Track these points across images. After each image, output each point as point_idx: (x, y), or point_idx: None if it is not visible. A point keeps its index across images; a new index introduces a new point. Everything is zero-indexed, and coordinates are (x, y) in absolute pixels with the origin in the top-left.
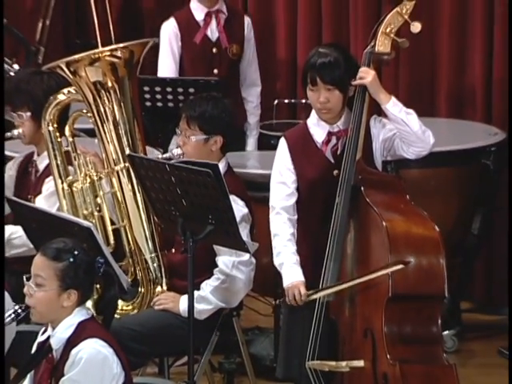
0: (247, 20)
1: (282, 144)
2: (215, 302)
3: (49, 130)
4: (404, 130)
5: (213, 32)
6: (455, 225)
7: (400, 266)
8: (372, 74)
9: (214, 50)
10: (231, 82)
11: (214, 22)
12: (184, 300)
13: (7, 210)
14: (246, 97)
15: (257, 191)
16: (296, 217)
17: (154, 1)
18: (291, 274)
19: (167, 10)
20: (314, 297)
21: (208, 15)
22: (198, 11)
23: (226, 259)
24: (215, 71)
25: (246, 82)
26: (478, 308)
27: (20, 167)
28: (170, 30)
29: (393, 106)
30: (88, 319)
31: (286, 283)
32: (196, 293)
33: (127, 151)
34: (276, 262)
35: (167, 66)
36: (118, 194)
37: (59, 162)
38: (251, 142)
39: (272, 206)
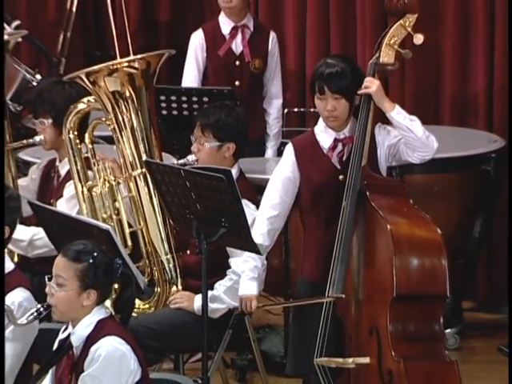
0: (272, 35)
1: (289, 150)
2: (228, 301)
3: (69, 137)
4: (409, 136)
5: (237, 46)
6: (457, 228)
7: (331, 299)
8: (376, 83)
9: (237, 63)
10: (252, 94)
11: (239, 36)
12: (198, 299)
13: (30, 212)
14: (266, 108)
15: None
16: (279, 226)
17: (170, 14)
18: (247, 286)
19: (183, 22)
20: (263, 308)
21: (234, 29)
22: (225, 25)
23: (238, 261)
24: (237, 83)
25: (268, 94)
26: (479, 307)
27: (43, 172)
28: (196, 41)
29: (397, 113)
30: (106, 318)
31: (241, 292)
32: (210, 292)
33: (144, 157)
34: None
35: (190, 75)
36: (136, 198)
37: (79, 168)
38: (270, 153)
39: (260, 211)
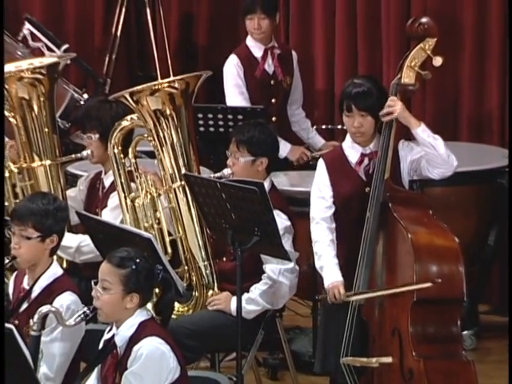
0: (294, 53)
1: (321, 164)
2: (263, 303)
3: (114, 152)
4: (431, 153)
5: (269, 66)
6: (473, 237)
7: (428, 284)
8: (399, 105)
9: (272, 82)
10: (285, 109)
11: (269, 58)
12: (235, 301)
13: (78, 221)
14: (295, 111)
15: (296, 206)
16: (334, 225)
17: (207, 38)
18: (331, 275)
19: (219, 46)
20: (351, 298)
21: (265, 52)
22: (256, 49)
23: (273, 267)
24: (273, 100)
25: (295, 100)
26: (494, 310)
27: (90, 184)
28: (235, 64)
29: (422, 131)
30: (148, 319)
31: (326, 283)
32: (246, 295)
33: (183, 171)
34: (317, 264)
35: (239, 97)
36: (175, 209)
37: (123, 180)
38: (318, 136)
39: (312, 217)
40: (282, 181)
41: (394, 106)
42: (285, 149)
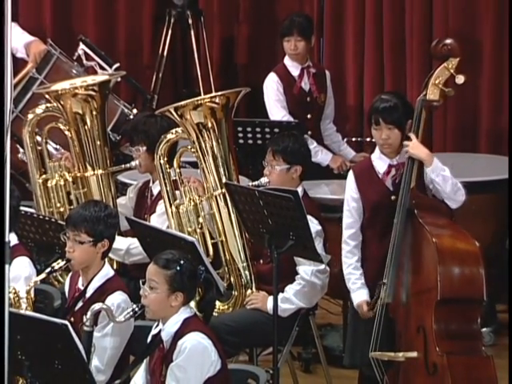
0: (327, 73)
1: (350, 175)
2: (297, 302)
3: (160, 163)
4: (438, 189)
5: (306, 84)
6: (492, 241)
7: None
8: (410, 143)
9: (308, 99)
10: (319, 124)
11: (305, 76)
12: (271, 300)
13: (127, 226)
14: (327, 126)
15: (329, 212)
16: (360, 239)
17: (247, 58)
18: (356, 297)
19: (258, 65)
20: (371, 312)
21: (301, 71)
22: (293, 68)
23: (306, 268)
24: (308, 116)
25: (328, 115)
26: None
27: (139, 192)
28: (275, 82)
29: (432, 171)
30: (191, 316)
31: (354, 304)
32: (281, 295)
33: (224, 180)
34: (347, 285)
35: (282, 111)
36: (216, 215)
37: (168, 189)
38: (349, 149)
39: (343, 233)
40: (315, 189)
41: (408, 145)
42: (327, 157)
